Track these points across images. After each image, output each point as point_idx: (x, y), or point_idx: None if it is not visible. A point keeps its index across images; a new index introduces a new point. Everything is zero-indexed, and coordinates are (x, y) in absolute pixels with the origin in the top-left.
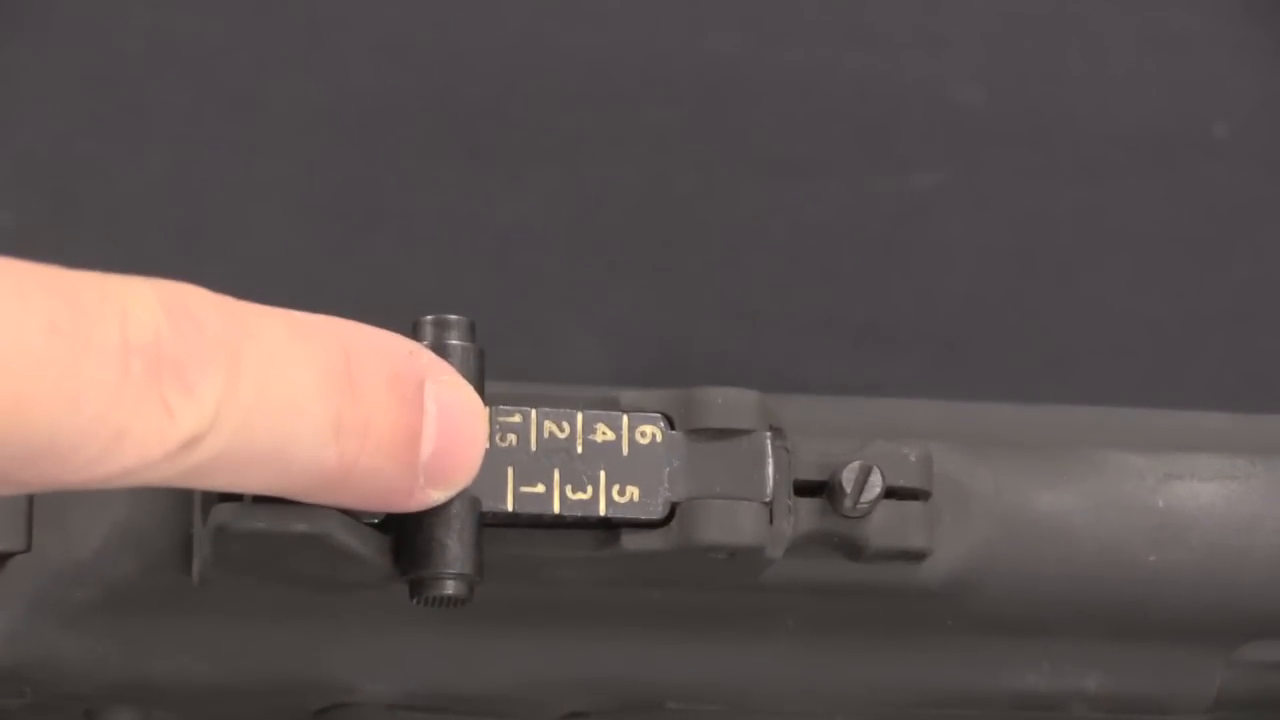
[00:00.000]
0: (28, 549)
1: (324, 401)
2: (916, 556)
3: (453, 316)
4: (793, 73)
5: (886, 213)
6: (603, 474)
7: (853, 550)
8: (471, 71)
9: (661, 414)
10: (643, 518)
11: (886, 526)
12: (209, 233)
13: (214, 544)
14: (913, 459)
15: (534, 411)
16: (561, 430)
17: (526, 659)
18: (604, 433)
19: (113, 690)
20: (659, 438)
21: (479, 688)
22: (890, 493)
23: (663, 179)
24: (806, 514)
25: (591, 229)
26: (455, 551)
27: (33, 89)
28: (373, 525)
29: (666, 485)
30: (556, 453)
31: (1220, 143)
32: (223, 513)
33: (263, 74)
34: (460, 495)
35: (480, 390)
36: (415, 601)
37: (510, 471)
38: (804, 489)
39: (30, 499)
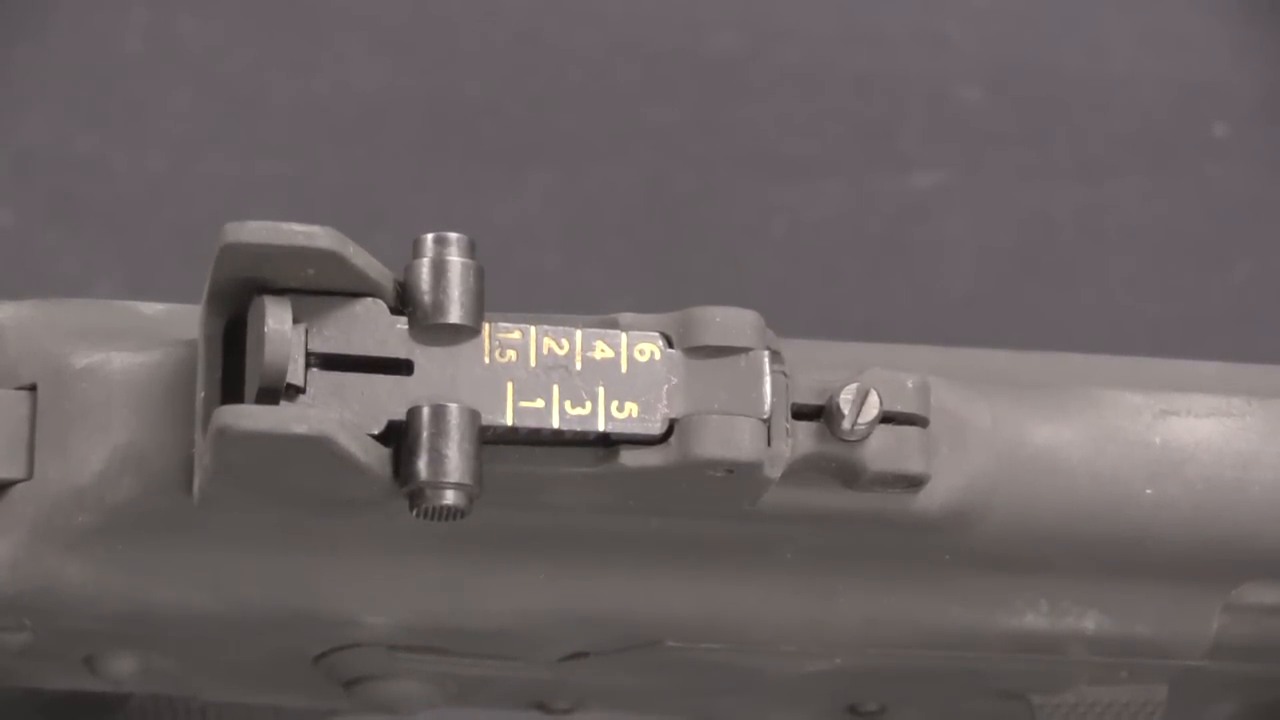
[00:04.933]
0: (29, 477)
1: None
2: (914, 483)
3: (453, 234)
4: (793, 73)
5: (886, 213)
6: (601, 390)
7: (850, 475)
8: (471, 71)
9: (660, 333)
10: (641, 433)
11: (884, 450)
12: (209, 233)
13: (215, 449)
14: (910, 385)
15: (533, 329)
16: (560, 347)
17: (526, 591)
18: (603, 350)
19: (114, 621)
20: (657, 355)
21: (480, 622)
22: (888, 418)
23: (663, 179)
24: (804, 437)
25: (591, 229)
26: (455, 461)
27: (33, 89)
28: (373, 436)
29: (665, 402)
30: (555, 369)
31: (1220, 143)
32: (224, 414)
33: (263, 74)
34: (460, 408)
35: (479, 308)
36: (414, 513)
37: (509, 387)
38: (801, 414)
39: (31, 426)
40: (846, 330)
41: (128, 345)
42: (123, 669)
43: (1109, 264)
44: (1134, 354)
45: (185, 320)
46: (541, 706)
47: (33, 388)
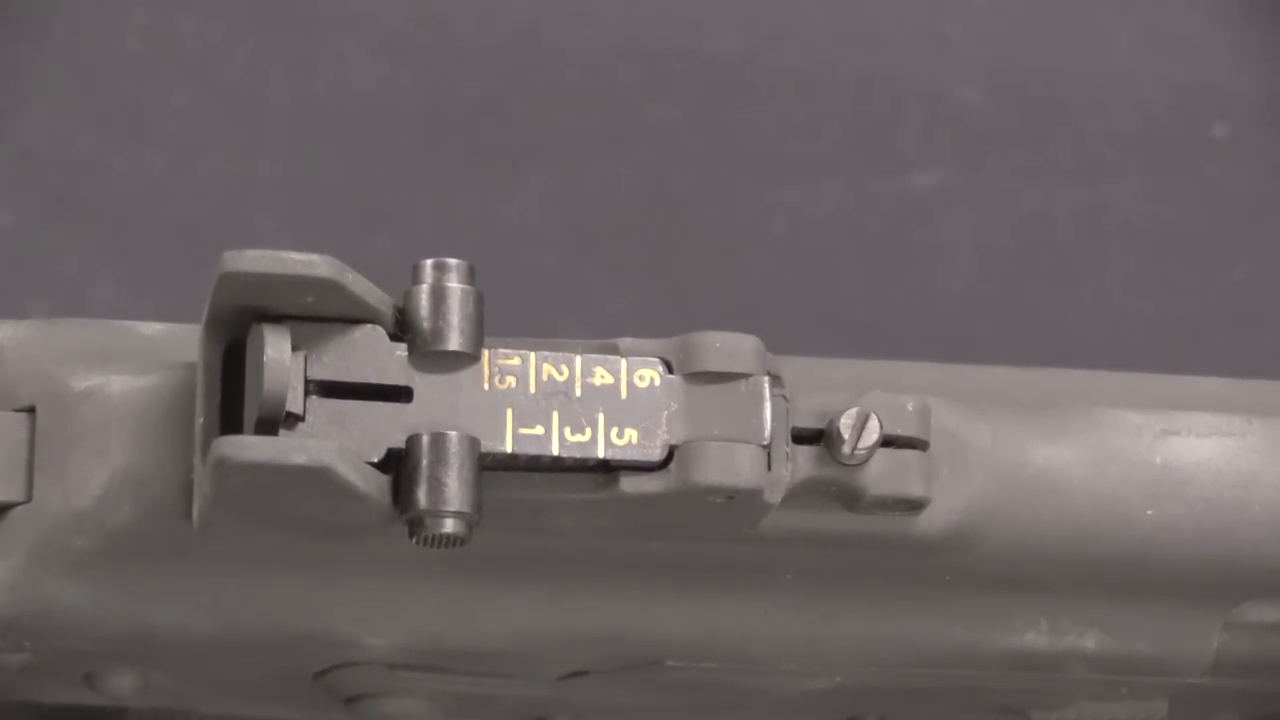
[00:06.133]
0: (28, 499)
1: None
2: (914, 506)
3: (452, 260)
4: (793, 73)
5: (886, 213)
6: (601, 417)
7: (850, 499)
8: (471, 71)
9: (660, 359)
10: (641, 460)
11: (884, 474)
12: (209, 233)
13: (214, 479)
14: (910, 408)
15: (533, 355)
16: (560, 373)
17: (525, 613)
18: (602, 376)
19: (113, 643)
20: (657, 381)
21: (479, 643)
22: (888, 442)
23: (663, 179)
24: (804, 461)
25: (591, 229)
26: (454, 489)
27: (33, 89)
28: (372, 464)
29: (665, 428)
30: (555, 395)
31: (1220, 143)
32: (223, 445)
33: (263, 74)
34: (460, 435)
35: (479, 335)
36: (414, 541)
37: (509, 413)
38: (801, 437)
39: (30, 448)
40: (846, 331)
41: (127, 368)
42: (122, 685)
43: (1109, 264)
44: (1134, 354)
45: (184, 341)
46: None
47: (31, 409)
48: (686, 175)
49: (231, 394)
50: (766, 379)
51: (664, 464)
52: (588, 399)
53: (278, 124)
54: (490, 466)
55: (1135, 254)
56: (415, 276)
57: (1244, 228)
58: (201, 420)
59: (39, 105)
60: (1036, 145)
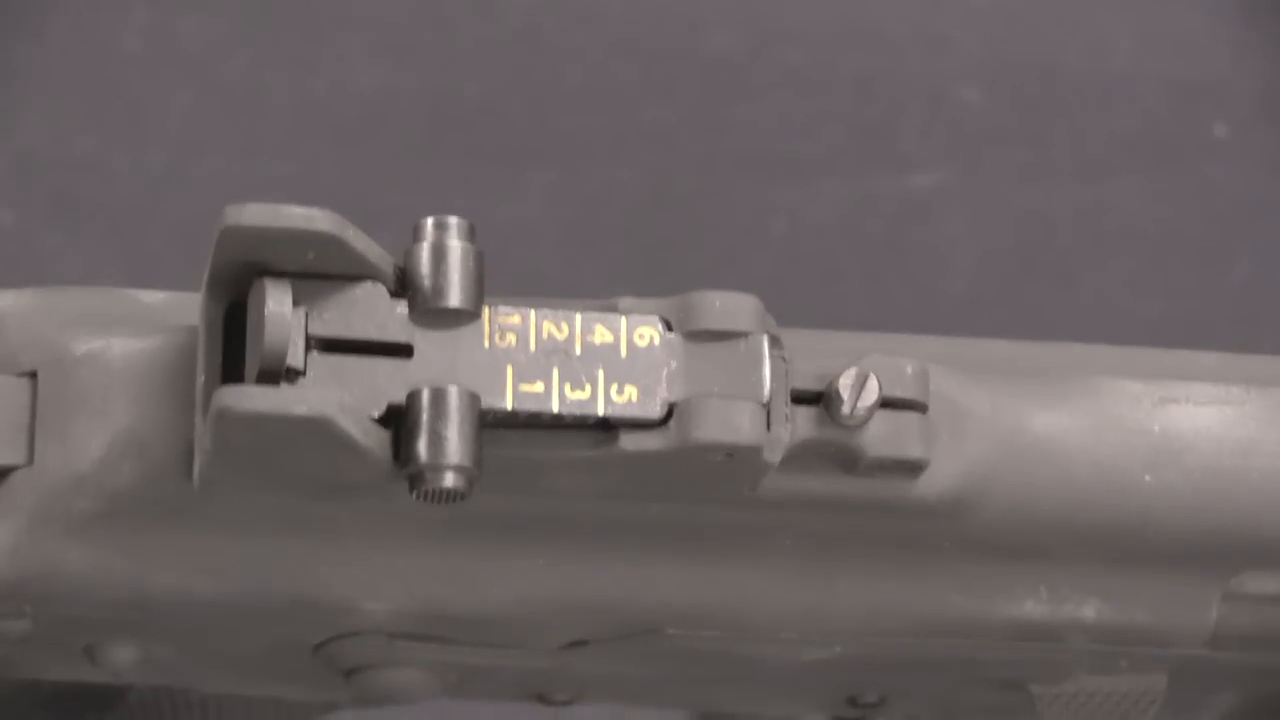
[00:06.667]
0: (29, 463)
1: None
2: (913, 468)
3: (453, 218)
4: (793, 73)
5: (886, 213)
6: (601, 374)
7: (849, 460)
8: (471, 71)
9: (659, 317)
10: (641, 417)
11: (883, 436)
12: (209, 233)
13: (215, 431)
14: (909, 371)
15: (533, 312)
16: (560, 331)
17: (525, 578)
18: (602, 334)
19: (114, 608)
20: (657, 339)
21: (479, 609)
22: (887, 403)
23: (663, 179)
24: (803, 421)
25: (591, 229)
26: (454, 443)
27: (33, 89)
28: (373, 420)
29: (664, 386)
30: (555, 353)
31: (1220, 143)
32: (225, 395)
33: (263, 74)
34: (460, 390)
35: (479, 292)
36: (414, 495)
37: (509, 370)
38: (801, 398)
39: (32, 412)
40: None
41: (128, 331)
42: (123, 659)
43: (1109, 264)
44: None
45: (185, 308)
46: (541, 698)
47: (33, 374)
48: (686, 175)
49: (233, 356)
50: (766, 338)
51: (663, 421)
52: (587, 357)
53: (278, 124)
54: (490, 424)
55: (1135, 254)
56: (416, 235)
57: (1244, 228)
58: (203, 379)
59: (39, 105)
60: (1036, 145)
